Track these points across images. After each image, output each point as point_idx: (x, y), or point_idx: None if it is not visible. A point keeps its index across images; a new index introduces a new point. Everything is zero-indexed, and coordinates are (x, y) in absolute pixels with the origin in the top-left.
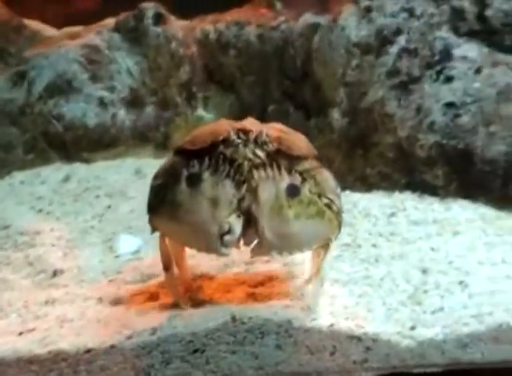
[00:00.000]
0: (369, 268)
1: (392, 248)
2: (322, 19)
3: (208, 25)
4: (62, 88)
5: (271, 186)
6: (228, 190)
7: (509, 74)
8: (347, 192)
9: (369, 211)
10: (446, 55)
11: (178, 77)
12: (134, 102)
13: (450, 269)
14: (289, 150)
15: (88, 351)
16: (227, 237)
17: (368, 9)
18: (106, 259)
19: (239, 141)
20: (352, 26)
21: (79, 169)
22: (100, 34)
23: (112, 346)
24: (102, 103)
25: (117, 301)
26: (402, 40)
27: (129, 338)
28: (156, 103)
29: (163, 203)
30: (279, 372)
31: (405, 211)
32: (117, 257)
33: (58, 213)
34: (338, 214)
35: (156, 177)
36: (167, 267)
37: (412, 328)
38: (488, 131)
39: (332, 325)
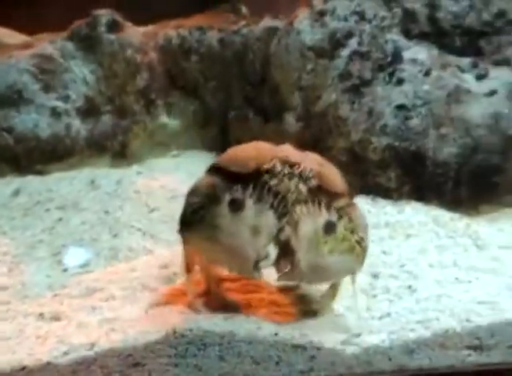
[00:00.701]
0: None
1: None
2: (280, 24)
3: (171, 30)
4: (12, 99)
5: (311, 221)
6: (270, 221)
7: (458, 75)
8: None
9: None
10: (397, 57)
11: (135, 85)
12: (89, 111)
13: (401, 273)
14: (329, 187)
15: (23, 368)
16: (262, 264)
17: (321, 13)
18: (53, 273)
19: (285, 174)
20: (307, 30)
21: (31, 182)
22: (53, 42)
23: (48, 363)
24: (55, 113)
25: (57, 317)
26: (353, 43)
27: (66, 353)
28: (113, 112)
29: (200, 222)
30: None
31: None
32: (64, 271)
33: (6, 228)
34: (365, 250)
35: (193, 194)
36: (187, 271)
37: (358, 335)
38: (438, 134)
39: (276, 334)
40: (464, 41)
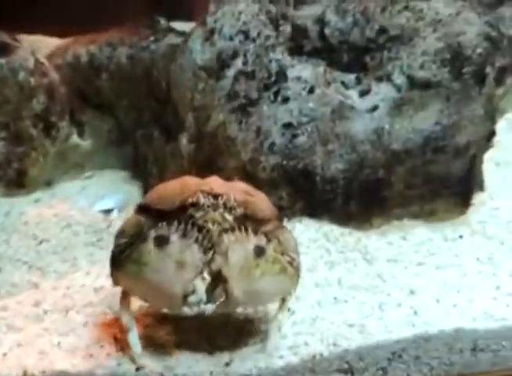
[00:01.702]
0: None
1: None
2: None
3: (80, 47)
4: None
5: (239, 248)
6: (195, 255)
7: (342, 92)
8: None
9: None
10: (281, 76)
11: (31, 109)
12: None
13: None
14: (254, 214)
15: None
16: (191, 298)
17: (211, 32)
18: None
19: (209, 205)
20: (198, 49)
21: None
22: None
23: None
24: None
25: None
26: (238, 63)
27: None
28: (8, 139)
29: (128, 260)
30: None
31: None
32: None
33: None
34: (298, 270)
35: (120, 234)
36: (128, 326)
37: (227, 364)
38: (325, 150)
39: (138, 370)
40: (351, 56)
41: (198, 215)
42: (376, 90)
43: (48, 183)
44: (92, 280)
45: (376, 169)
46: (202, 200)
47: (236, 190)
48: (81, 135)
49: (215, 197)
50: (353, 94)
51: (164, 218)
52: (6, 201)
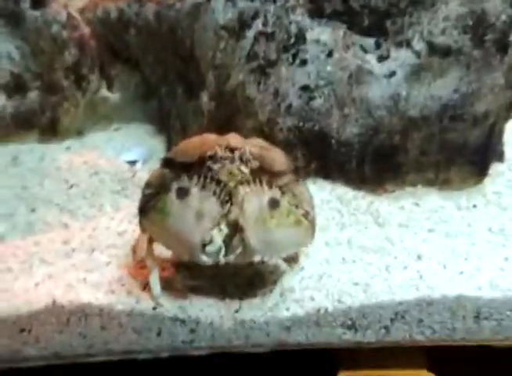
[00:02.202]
0: None
1: None
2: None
3: (110, 3)
4: None
5: (254, 200)
6: (213, 207)
7: (360, 56)
8: None
9: None
10: (301, 38)
11: (64, 61)
12: (16, 87)
13: None
14: (270, 167)
15: None
16: (208, 248)
17: None
18: None
19: (226, 158)
20: (220, 8)
21: None
22: None
23: None
24: None
25: None
26: (259, 23)
27: None
28: (41, 88)
29: (153, 210)
30: (109, 350)
31: None
32: None
33: None
34: (313, 222)
35: (147, 186)
36: (151, 268)
37: (236, 311)
38: (341, 114)
39: (155, 309)
40: (372, 20)
41: (216, 166)
42: (395, 56)
43: (79, 132)
44: (116, 225)
45: (392, 135)
46: (219, 152)
47: (253, 145)
48: (109, 88)
49: (232, 150)
50: (371, 59)
51: (186, 170)
52: (40, 147)
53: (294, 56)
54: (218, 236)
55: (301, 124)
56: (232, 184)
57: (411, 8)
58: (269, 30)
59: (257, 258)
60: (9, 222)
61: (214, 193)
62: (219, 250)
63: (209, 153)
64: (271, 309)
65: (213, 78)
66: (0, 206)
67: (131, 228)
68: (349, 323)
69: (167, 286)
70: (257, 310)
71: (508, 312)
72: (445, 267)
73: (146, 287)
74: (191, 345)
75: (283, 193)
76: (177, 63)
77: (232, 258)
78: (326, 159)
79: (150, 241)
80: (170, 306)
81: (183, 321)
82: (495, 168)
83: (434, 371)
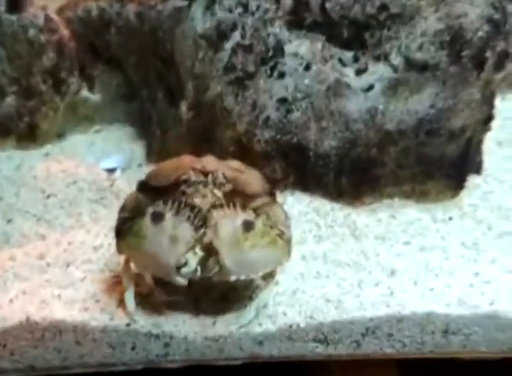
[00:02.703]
0: None
1: None
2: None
3: (91, 2)
4: None
5: (228, 223)
6: (186, 232)
7: (338, 69)
8: None
9: None
10: (279, 51)
11: (41, 65)
12: None
13: None
14: (243, 190)
15: None
16: (184, 270)
17: (213, 1)
18: None
19: (199, 182)
20: (199, 17)
21: None
22: None
23: None
24: None
25: None
26: (237, 35)
27: None
28: (18, 93)
29: (128, 233)
30: (84, 363)
31: None
32: None
33: None
34: (288, 242)
35: (122, 209)
36: (127, 286)
37: (213, 324)
38: (319, 127)
39: (129, 325)
40: (351, 32)
41: (189, 190)
42: (373, 69)
43: (59, 135)
44: (92, 239)
45: (369, 148)
46: (193, 177)
47: (228, 168)
48: (90, 88)
49: (206, 174)
50: (349, 72)
51: (161, 194)
52: (18, 154)
53: (272, 69)
54: (193, 259)
55: (278, 136)
56: (205, 208)
57: (390, 21)
58: (247, 42)
59: (233, 278)
60: None
61: (188, 217)
62: (194, 271)
63: (183, 178)
64: (245, 325)
65: (192, 88)
66: None
67: (107, 242)
68: (321, 337)
69: (143, 301)
70: (231, 325)
71: (475, 328)
72: (416, 283)
73: (120, 303)
74: (165, 359)
75: (257, 215)
76: (158, 65)
77: (204, 275)
78: (304, 171)
79: (127, 261)
80: (144, 322)
81: (157, 336)
82: (471, 181)
83: None
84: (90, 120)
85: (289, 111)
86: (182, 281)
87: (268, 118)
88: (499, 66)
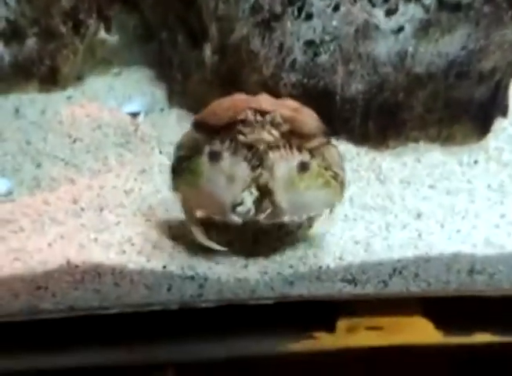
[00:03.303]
0: None
1: None
2: None
3: None
4: None
5: (284, 164)
6: (243, 171)
7: (367, 10)
8: None
9: None
10: None
11: (61, 6)
12: (13, 35)
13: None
14: (300, 130)
15: None
16: (239, 208)
17: None
18: None
19: (257, 121)
20: None
21: None
22: None
23: None
24: None
25: None
26: None
27: None
28: (39, 35)
29: (186, 171)
30: (122, 304)
31: None
32: None
33: None
34: (342, 183)
35: (179, 148)
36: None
37: (245, 266)
38: (347, 70)
39: (165, 267)
40: None
41: (246, 130)
42: (404, 10)
43: (79, 78)
44: (122, 183)
45: (397, 92)
46: (250, 116)
47: (284, 107)
48: (108, 30)
49: (263, 113)
50: (379, 13)
51: (217, 133)
52: (40, 98)
53: (300, 10)
54: (249, 198)
55: (305, 80)
56: (262, 148)
57: None
58: None
59: (286, 219)
60: (16, 177)
61: (245, 157)
62: (249, 210)
63: (240, 117)
64: (275, 266)
65: (216, 31)
66: (6, 161)
67: (138, 186)
68: (349, 277)
69: (179, 243)
70: (264, 267)
71: (500, 267)
72: (443, 226)
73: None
74: (199, 299)
75: (312, 156)
76: (178, 6)
77: (261, 217)
78: (330, 115)
79: (184, 199)
80: (179, 264)
81: (192, 277)
82: (498, 124)
83: (429, 317)
84: (108, 62)
85: (316, 54)
86: (236, 220)
87: (294, 61)
88: None
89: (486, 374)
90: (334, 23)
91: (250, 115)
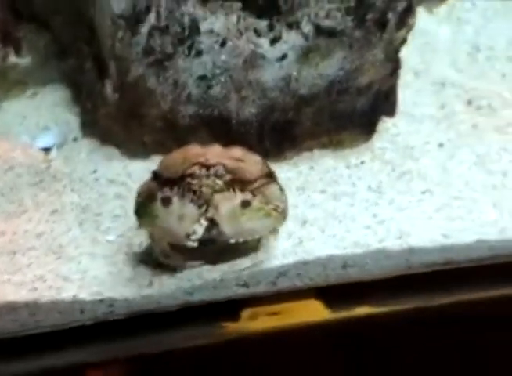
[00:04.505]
0: (132, 236)
1: None
2: None
3: None
4: None
5: (228, 203)
6: (192, 210)
7: (253, 41)
8: (126, 163)
9: (142, 180)
10: (194, 30)
11: None
12: None
13: None
14: (242, 177)
15: None
16: (192, 237)
17: None
18: None
19: (203, 175)
20: None
21: None
22: None
23: None
24: None
25: None
26: (152, 18)
27: None
28: None
29: (144, 213)
30: (40, 326)
31: None
32: None
33: None
34: (283, 212)
35: (138, 195)
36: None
37: (150, 285)
38: (239, 97)
39: (75, 296)
40: None
41: (193, 182)
42: (286, 38)
43: None
44: (34, 226)
45: (286, 111)
46: (197, 172)
47: (229, 158)
48: (18, 52)
49: (208, 168)
50: (264, 42)
51: (170, 183)
52: None
53: (190, 48)
54: (199, 228)
55: (201, 110)
56: (207, 191)
57: None
58: (163, 24)
59: (232, 241)
60: None
61: (192, 200)
62: (201, 236)
63: (188, 171)
64: (177, 282)
65: (114, 69)
66: None
67: (49, 227)
68: (242, 283)
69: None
70: (166, 284)
71: (368, 260)
72: (323, 231)
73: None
74: (111, 315)
75: (254, 195)
76: (85, 32)
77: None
78: (228, 138)
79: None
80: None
81: (101, 300)
82: (383, 125)
83: (320, 299)
84: (23, 83)
85: (209, 87)
86: (192, 244)
87: (190, 95)
88: (400, 25)
89: (362, 341)
90: (223, 57)
91: (197, 170)
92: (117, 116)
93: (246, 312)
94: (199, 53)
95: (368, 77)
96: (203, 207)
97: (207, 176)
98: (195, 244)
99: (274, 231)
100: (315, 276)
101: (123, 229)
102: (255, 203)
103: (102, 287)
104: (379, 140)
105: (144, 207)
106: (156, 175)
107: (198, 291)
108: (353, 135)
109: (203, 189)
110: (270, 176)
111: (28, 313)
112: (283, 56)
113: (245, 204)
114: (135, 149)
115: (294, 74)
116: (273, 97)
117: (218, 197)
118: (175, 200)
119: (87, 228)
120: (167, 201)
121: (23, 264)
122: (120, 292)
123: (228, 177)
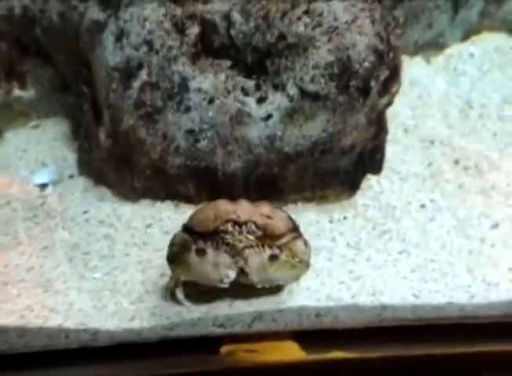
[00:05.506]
0: (118, 275)
1: (142, 256)
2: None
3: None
4: None
5: (257, 257)
6: (225, 260)
7: (240, 99)
8: (116, 205)
9: (130, 223)
10: (184, 87)
11: None
12: None
13: None
14: (271, 233)
15: None
16: (225, 280)
17: (122, 32)
18: None
19: (235, 232)
20: (110, 49)
21: None
22: None
23: None
24: None
25: None
26: (143, 74)
27: None
28: None
29: (179, 261)
30: (28, 346)
31: (161, 222)
32: None
33: None
34: (306, 263)
35: (171, 245)
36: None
37: (132, 319)
38: (225, 151)
39: (60, 325)
40: (255, 58)
41: (227, 237)
42: (272, 98)
43: None
44: (25, 260)
45: (271, 167)
46: (230, 228)
47: (259, 215)
48: (22, 86)
49: (240, 225)
50: (251, 101)
51: (203, 236)
52: None
53: (179, 104)
54: (232, 273)
55: (188, 162)
56: (239, 246)
57: (287, 51)
58: (154, 80)
59: (259, 286)
60: None
61: (225, 250)
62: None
63: (221, 228)
64: (158, 318)
65: (108, 117)
66: None
67: (39, 262)
68: (219, 324)
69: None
70: (146, 319)
71: (340, 312)
72: (299, 284)
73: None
74: (94, 342)
75: (281, 250)
76: (84, 74)
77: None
78: (215, 189)
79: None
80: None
81: (85, 330)
82: (367, 182)
83: (296, 341)
84: (26, 115)
85: (196, 140)
86: (224, 286)
87: (178, 147)
88: (382, 92)
89: None
90: (210, 113)
91: (230, 227)
92: (110, 160)
93: (225, 348)
94: (187, 109)
95: (351, 139)
96: (236, 258)
97: (240, 233)
98: (227, 286)
99: (297, 279)
100: (290, 323)
101: (109, 268)
102: (282, 257)
103: (87, 319)
104: (362, 197)
105: (179, 256)
106: (187, 229)
107: (176, 327)
108: (336, 191)
109: (236, 243)
110: (295, 230)
111: (17, 336)
112: (269, 116)
113: (273, 258)
114: (125, 192)
115: (279, 133)
116: (258, 153)
117: (248, 251)
118: (209, 251)
119: (75, 264)
120: (202, 252)
121: (13, 294)
122: (104, 324)
123: (258, 233)
